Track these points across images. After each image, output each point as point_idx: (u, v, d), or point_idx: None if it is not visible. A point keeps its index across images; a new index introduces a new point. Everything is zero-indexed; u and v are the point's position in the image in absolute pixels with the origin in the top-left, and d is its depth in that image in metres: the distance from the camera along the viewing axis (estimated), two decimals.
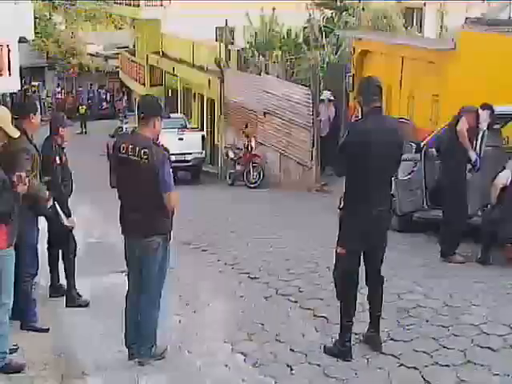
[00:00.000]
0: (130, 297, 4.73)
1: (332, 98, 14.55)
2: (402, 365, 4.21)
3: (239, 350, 4.80)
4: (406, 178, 7.93)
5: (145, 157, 4.40)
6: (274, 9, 22.39)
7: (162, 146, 4.57)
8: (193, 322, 5.52)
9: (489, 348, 4.24)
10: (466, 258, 6.58)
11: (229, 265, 7.14)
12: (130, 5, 27.48)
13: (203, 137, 17.94)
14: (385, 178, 4.41)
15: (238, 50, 20.42)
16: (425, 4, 28.21)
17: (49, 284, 6.21)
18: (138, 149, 4.42)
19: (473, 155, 6.60)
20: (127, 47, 34.95)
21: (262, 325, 5.24)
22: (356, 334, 4.61)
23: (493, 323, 4.64)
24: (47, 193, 5.22)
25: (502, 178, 6.39)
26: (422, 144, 8.02)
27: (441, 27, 25.77)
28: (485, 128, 6.99)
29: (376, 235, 4.39)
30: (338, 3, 24.93)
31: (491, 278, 5.85)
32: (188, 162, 16.62)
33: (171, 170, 4.52)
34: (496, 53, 10.57)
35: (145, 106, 4.60)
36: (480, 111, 6.72)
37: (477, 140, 7.15)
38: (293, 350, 4.67)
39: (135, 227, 4.53)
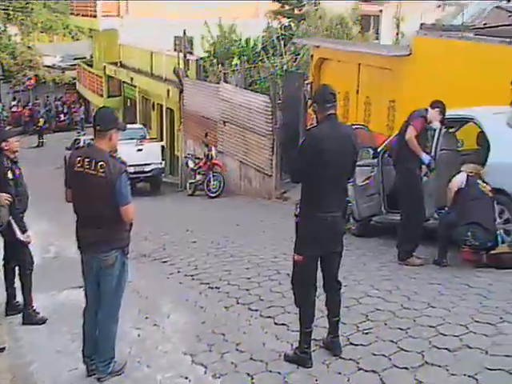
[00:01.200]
0: (88, 312, 4.68)
1: None
2: (360, 369, 4.24)
3: (199, 362, 4.77)
4: (363, 183, 8.03)
5: (101, 170, 4.37)
6: (231, 17, 22.54)
7: (119, 158, 4.53)
8: (152, 336, 5.46)
9: (446, 349, 4.29)
10: (423, 260, 6.67)
11: (189, 276, 7.09)
12: (87, 15, 27.20)
13: (163, 147, 17.83)
14: (340, 184, 4.45)
15: (196, 60, 20.41)
16: (381, 11, 28.75)
17: (5, 301, 6.06)
18: (94, 162, 4.39)
19: (425, 158, 6.70)
20: (85, 58, 34.58)
21: (223, 335, 5.22)
22: (316, 340, 4.63)
23: (450, 324, 4.71)
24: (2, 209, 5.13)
25: (457, 181, 6.51)
26: (379, 149, 8.13)
27: (397, 33, 26.29)
28: (438, 126, 7.06)
29: (332, 241, 4.43)
30: (296, 11, 25.24)
31: (448, 279, 5.94)
32: (147, 172, 16.50)
33: (128, 182, 4.49)
34: (449, 58, 10.83)
35: (100, 119, 4.56)
36: (430, 110, 6.76)
37: (433, 139, 7.32)
38: (253, 359, 4.66)
39: (92, 242, 4.49)
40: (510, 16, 11.95)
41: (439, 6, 25.32)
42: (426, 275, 6.14)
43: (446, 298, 5.33)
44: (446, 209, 6.83)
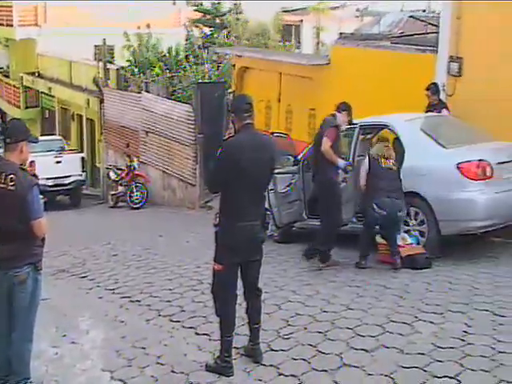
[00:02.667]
0: (0, 331, 4.45)
1: None
2: (281, 374, 4.26)
3: (118, 378, 4.64)
4: (284, 190, 8.10)
5: (11, 183, 4.22)
6: (148, 25, 22.35)
7: (31, 171, 4.38)
8: (70, 353, 5.27)
9: (363, 349, 4.39)
10: (342, 262, 6.81)
11: (109, 290, 6.91)
12: (3, 25, 26.23)
13: (83, 158, 17.41)
14: (258, 193, 4.47)
15: (117, 69, 20.09)
16: (302, 20, 29.34)
17: None
18: (4, 175, 4.23)
19: (341, 164, 6.81)
20: (1, 68, 33.25)
21: (143, 349, 5.11)
22: (237, 348, 4.62)
23: (367, 325, 4.82)
24: None
25: (364, 166, 6.80)
26: (300, 157, 8.24)
27: (317, 43, 26.90)
28: (345, 127, 7.10)
29: (251, 249, 4.43)
30: (217, 21, 25.32)
31: (366, 281, 6.08)
32: (67, 185, 16.08)
33: (41, 195, 4.34)
34: (366, 66, 11.17)
35: (11, 131, 4.40)
36: (338, 114, 6.84)
37: (350, 145, 7.53)
38: (174, 372, 4.59)
39: (3, 258, 4.29)
40: (425, 25, 12.43)
41: (358, 16, 26.14)
42: (344, 278, 6.26)
43: (363, 299, 5.46)
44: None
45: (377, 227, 6.71)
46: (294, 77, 13.38)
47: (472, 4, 8.92)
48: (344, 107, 6.90)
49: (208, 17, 25.68)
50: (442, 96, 9.19)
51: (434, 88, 8.81)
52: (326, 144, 6.62)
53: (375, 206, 6.47)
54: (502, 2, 8.46)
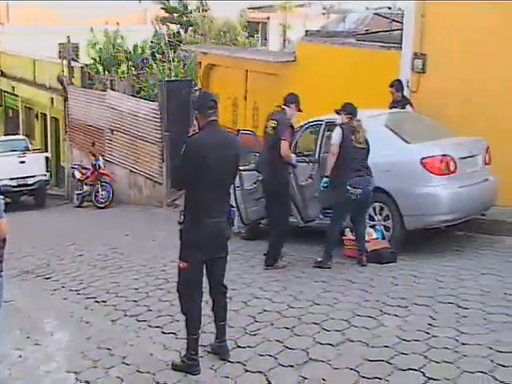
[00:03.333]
0: None
1: None
2: (247, 371, 4.25)
3: (84, 379, 4.58)
4: (251, 187, 8.09)
5: None
6: (117, 23, 22.10)
7: None
8: (34, 356, 5.17)
9: (329, 344, 4.40)
10: (286, 262, 6.75)
11: (74, 291, 6.81)
12: None
13: (47, 158, 17.14)
14: (222, 190, 4.44)
15: (81, 67, 19.82)
16: (268, 18, 29.36)
17: None
18: None
19: (294, 161, 6.74)
20: None
21: (109, 349, 5.05)
22: (204, 345, 4.59)
23: (333, 320, 4.84)
24: None
25: (337, 138, 6.55)
26: None
27: (284, 40, 26.96)
28: (294, 121, 6.89)
29: (217, 246, 4.42)
30: (184, 18, 25.17)
31: (332, 276, 6.12)
32: (31, 185, 15.80)
33: (4, 196, 4.24)
34: (332, 63, 11.23)
35: None
36: (288, 109, 6.66)
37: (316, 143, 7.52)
38: (140, 372, 4.54)
39: None
40: (389, 22, 12.56)
41: (324, 14, 26.29)
42: (311, 274, 6.28)
43: (329, 294, 5.49)
44: (325, 178, 6.71)
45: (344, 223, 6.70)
46: (261, 74, 13.38)
47: (435, 1, 9.05)
48: (292, 99, 6.70)
49: (175, 15, 25.53)
50: (406, 92, 9.30)
51: (397, 85, 8.90)
52: (286, 148, 6.49)
53: (349, 187, 6.40)
54: (465, 2, 8.60)
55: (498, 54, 8.37)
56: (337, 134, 6.56)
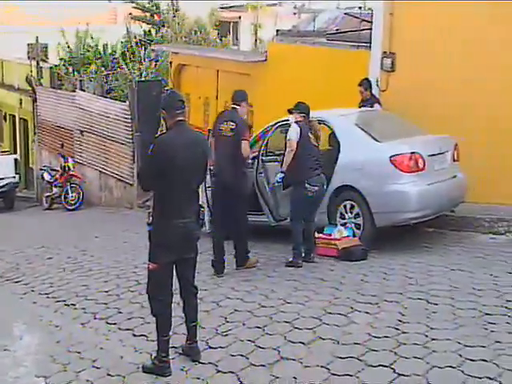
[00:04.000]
0: None
1: None
2: (219, 371, 4.23)
3: (53, 383, 4.50)
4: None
5: None
6: (87, 23, 21.86)
7: None
8: (2, 361, 5.09)
9: (300, 342, 4.41)
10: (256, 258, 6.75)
11: (44, 294, 6.71)
12: None
13: (16, 160, 16.85)
14: (191, 190, 4.42)
15: (50, 67, 19.56)
16: (240, 17, 29.34)
17: None
18: None
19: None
20: None
21: (79, 353, 4.98)
22: (175, 347, 4.56)
23: (304, 318, 4.85)
24: None
25: (294, 134, 6.49)
26: None
27: (255, 40, 26.98)
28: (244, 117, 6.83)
29: (186, 247, 4.39)
30: (155, 18, 25.01)
31: (303, 275, 6.13)
32: (0, 188, 15.50)
33: None
34: (302, 62, 11.27)
35: None
36: (239, 108, 6.55)
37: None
38: (110, 375, 4.49)
39: None
40: (359, 22, 12.64)
41: (295, 13, 26.38)
42: (283, 273, 6.29)
43: (301, 293, 5.50)
44: (281, 173, 6.66)
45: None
46: (232, 73, 13.36)
47: (404, 1, 9.13)
48: (242, 97, 6.60)
49: (146, 14, 25.36)
50: (376, 91, 9.37)
51: (366, 83, 8.97)
52: (248, 148, 6.47)
53: (307, 185, 6.41)
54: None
55: (463, 52, 8.49)
56: (294, 131, 6.52)
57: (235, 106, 6.57)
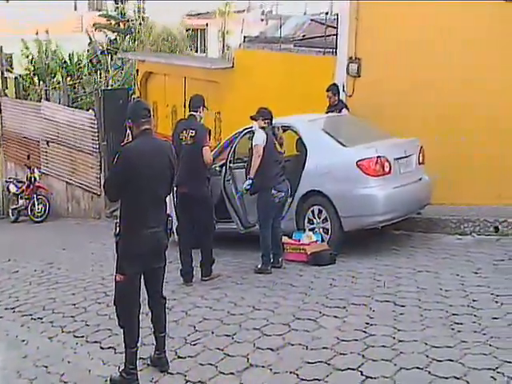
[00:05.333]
0: None
1: None
2: (188, 381, 4.18)
3: None
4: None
5: None
6: (46, 31, 21.61)
7: None
8: None
9: (270, 349, 4.39)
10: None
11: (9, 309, 6.56)
12: None
13: None
14: (158, 199, 4.36)
15: (15, 77, 19.27)
16: (207, 24, 29.33)
17: None
18: None
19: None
20: None
21: (46, 367, 4.89)
22: (143, 358, 4.50)
23: (273, 324, 4.84)
24: None
25: (260, 141, 6.49)
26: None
27: (223, 46, 27.01)
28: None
29: (154, 257, 4.33)
30: (121, 26, 24.84)
31: (273, 281, 6.13)
32: None
33: None
34: (269, 68, 11.32)
35: None
36: (198, 114, 6.49)
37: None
38: None
39: None
40: (326, 28, 12.75)
41: (263, 20, 26.50)
42: (252, 280, 6.28)
43: (270, 299, 5.50)
44: (249, 180, 6.61)
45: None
46: (199, 81, 13.34)
47: (369, 5, 9.24)
48: (198, 103, 6.55)
49: (112, 22, 25.19)
50: (342, 96, 9.46)
51: (334, 89, 9.03)
52: (209, 155, 6.44)
53: (274, 191, 6.43)
54: (398, 3, 8.82)
55: (427, 55, 8.62)
56: (260, 136, 6.51)
57: (193, 112, 6.53)
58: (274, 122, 7.23)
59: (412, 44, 8.77)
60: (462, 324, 4.46)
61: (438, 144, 8.10)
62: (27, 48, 21.83)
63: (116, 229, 4.34)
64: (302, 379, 3.90)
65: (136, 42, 22.90)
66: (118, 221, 4.36)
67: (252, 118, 6.78)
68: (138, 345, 4.36)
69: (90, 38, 22.59)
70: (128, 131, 4.47)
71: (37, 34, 21.48)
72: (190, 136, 6.36)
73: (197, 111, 6.52)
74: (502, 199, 7.89)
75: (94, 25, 24.48)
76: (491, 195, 7.98)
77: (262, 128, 6.60)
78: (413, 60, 8.78)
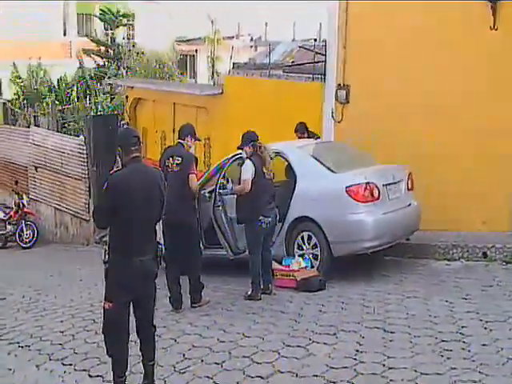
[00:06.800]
0: None
1: None
2: None
3: None
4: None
5: None
6: (39, 58, 21.72)
7: None
8: None
9: (259, 377, 4.37)
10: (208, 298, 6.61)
11: None
12: None
13: None
14: (148, 227, 4.37)
15: (4, 103, 19.30)
16: (197, 50, 29.61)
17: None
18: None
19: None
20: None
21: None
22: None
23: (263, 352, 4.82)
24: None
25: (249, 173, 6.48)
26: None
27: (212, 72, 27.25)
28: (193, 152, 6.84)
29: (143, 285, 4.32)
30: (111, 52, 25.02)
31: (263, 308, 6.11)
32: None
33: None
34: (258, 94, 11.44)
35: None
36: (185, 141, 6.52)
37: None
38: None
39: None
40: (315, 54, 12.92)
41: (252, 46, 26.82)
42: (242, 306, 6.25)
43: (260, 326, 5.48)
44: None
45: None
46: (189, 107, 13.45)
47: (356, 33, 9.39)
48: (186, 131, 6.59)
49: (101, 48, 25.37)
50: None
51: (301, 128, 9.06)
52: (195, 182, 6.46)
53: (261, 217, 6.43)
54: (386, 31, 8.97)
55: (418, 82, 8.75)
56: (249, 169, 6.48)
57: (181, 140, 6.57)
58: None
59: (401, 71, 8.91)
60: (451, 351, 4.47)
61: (426, 170, 8.17)
62: (17, 71, 21.92)
63: (105, 255, 4.33)
64: None
65: (125, 68, 23.06)
66: (107, 248, 4.35)
67: (239, 148, 6.80)
68: (127, 373, 4.32)
69: (80, 63, 22.72)
70: (118, 158, 4.49)
71: (30, 58, 21.57)
72: (177, 163, 6.39)
73: (184, 139, 6.55)
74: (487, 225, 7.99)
75: (83, 50, 24.66)
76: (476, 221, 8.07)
77: (251, 158, 6.59)
78: (401, 87, 8.91)
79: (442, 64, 8.49)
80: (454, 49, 8.40)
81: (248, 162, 6.56)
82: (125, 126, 13.42)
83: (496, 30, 7.94)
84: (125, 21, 26.93)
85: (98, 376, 4.93)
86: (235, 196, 6.78)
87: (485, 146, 8.15)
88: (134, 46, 25.60)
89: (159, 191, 4.41)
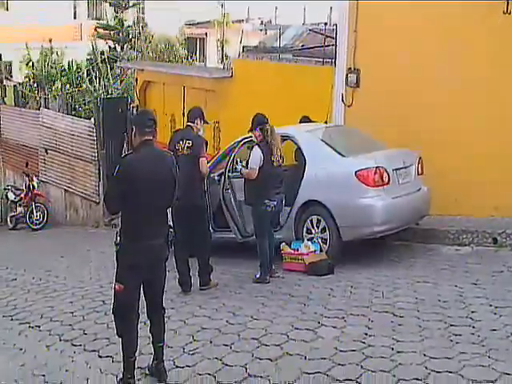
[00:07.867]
0: None
1: None
2: None
3: None
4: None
5: None
6: (50, 40, 21.66)
7: None
8: None
9: (268, 359, 4.39)
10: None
11: (7, 316, 6.55)
12: None
13: None
14: (159, 211, 4.35)
15: (14, 85, 19.30)
16: (207, 34, 29.46)
17: None
18: None
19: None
20: None
21: (43, 376, 4.87)
22: (141, 368, 4.49)
23: (271, 334, 4.84)
24: None
25: (256, 160, 6.50)
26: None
27: (222, 56, 27.14)
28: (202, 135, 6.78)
29: (153, 268, 4.33)
30: (121, 35, 24.95)
31: (272, 291, 6.13)
32: None
33: None
34: (267, 78, 11.37)
35: None
36: (194, 125, 6.52)
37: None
38: None
39: None
40: (324, 38, 12.80)
41: (261, 30, 26.65)
42: (251, 290, 6.27)
43: (268, 309, 5.49)
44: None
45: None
46: (198, 90, 13.39)
47: (367, 17, 9.29)
48: (195, 114, 6.59)
49: (110, 32, 25.30)
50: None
51: (305, 121, 9.01)
52: (205, 166, 6.46)
53: (266, 200, 6.44)
54: (396, 15, 8.87)
55: (428, 67, 8.66)
56: (257, 158, 6.49)
57: (190, 123, 6.56)
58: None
59: (412, 56, 8.82)
60: (460, 335, 4.46)
61: (436, 156, 8.11)
62: (29, 54, 21.91)
63: (116, 238, 4.34)
64: None
65: (135, 51, 23.00)
66: (119, 230, 4.36)
67: (250, 131, 6.80)
68: (136, 354, 4.35)
69: (93, 46, 22.66)
70: (126, 140, 4.46)
71: (43, 41, 21.52)
72: (187, 147, 6.38)
73: (194, 122, 6.54)
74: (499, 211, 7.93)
75: (95, 30, 24.59)
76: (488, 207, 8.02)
77: (259, 144, 6.57)
78: (413, 72, 8.82)
79: (453, 49, 8.38)
80: (466, 34, 8.28)
81: (257, 149, 6.54)
82: (141, 109, 13.41)
83: (509, 13, 7.83)
84: (134, 3, 26.80)
85: (107, 356, 4.97)
86: (243, 179, 6.78)
87: (498, 133, 8.07)
88: (142, 28, 25.49)
89: (171, 176, 4.37)
